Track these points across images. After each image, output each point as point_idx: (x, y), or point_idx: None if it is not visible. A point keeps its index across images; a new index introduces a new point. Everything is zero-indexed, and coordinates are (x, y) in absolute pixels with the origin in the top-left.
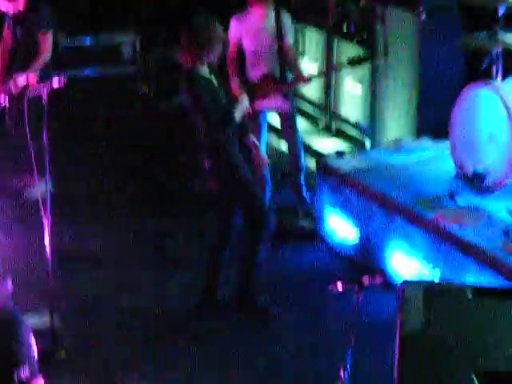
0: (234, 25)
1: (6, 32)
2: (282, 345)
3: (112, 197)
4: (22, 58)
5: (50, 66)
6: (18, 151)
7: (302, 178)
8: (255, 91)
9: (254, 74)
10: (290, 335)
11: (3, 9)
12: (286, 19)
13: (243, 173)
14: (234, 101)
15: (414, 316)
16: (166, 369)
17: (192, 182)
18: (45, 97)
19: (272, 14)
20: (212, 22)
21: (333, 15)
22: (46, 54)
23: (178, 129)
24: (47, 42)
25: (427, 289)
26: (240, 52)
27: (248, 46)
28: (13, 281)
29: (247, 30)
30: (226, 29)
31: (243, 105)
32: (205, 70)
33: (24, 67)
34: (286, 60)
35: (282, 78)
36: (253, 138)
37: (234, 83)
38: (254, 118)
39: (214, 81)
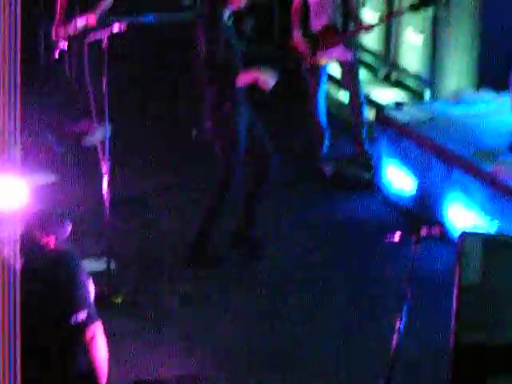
0: None
1: None
2: (334, 295)
3: (163, 147)
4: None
5: (110, 13)
6: (78, 97)
7: (365, 130)
8: (318, 42)
9: (317, 24)
10: (342, 285)
11: None
12: None
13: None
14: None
15: (473, 268)
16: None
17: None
18: (105, 41)
19: None
20: None
21: None
22: (106, 4)
23: None
24: None
25: (486, 241)
26: (304, 3)
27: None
28: (72, 225)
29: None
30: None
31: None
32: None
33: (84, 12)
34: (348, 10)
35: (345, 27)
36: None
37: (297, 34)
38: (316, 69)
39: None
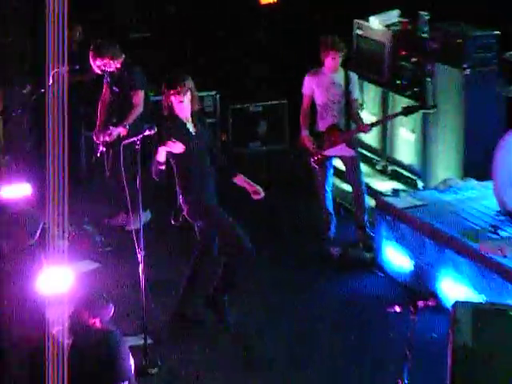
0: (308, 80)
1: (105, 89)
2: (344, 359)
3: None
4: (117, 111)
5: (143, 119)
6: (115, 193)
7: (366, 216)
8: (323, 140)
9: (323, 124)
10: (351, 352)
11: (103, 68)
12: (353, 76)
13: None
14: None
15: (465, 332)
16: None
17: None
18: (138, 146)
19: (342, 72)
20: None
21: (387, 72)
22: (138, 108)
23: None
24: (139, 98)
25: (476, 309)
26: (311, 106)
27: (319, 98)
28: (114, 307)
29: (319, 85)
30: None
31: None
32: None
33: (119, 120)
34: (350, 112)
35: (347, 128)
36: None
37: (305, 133)
38: (322, 163)
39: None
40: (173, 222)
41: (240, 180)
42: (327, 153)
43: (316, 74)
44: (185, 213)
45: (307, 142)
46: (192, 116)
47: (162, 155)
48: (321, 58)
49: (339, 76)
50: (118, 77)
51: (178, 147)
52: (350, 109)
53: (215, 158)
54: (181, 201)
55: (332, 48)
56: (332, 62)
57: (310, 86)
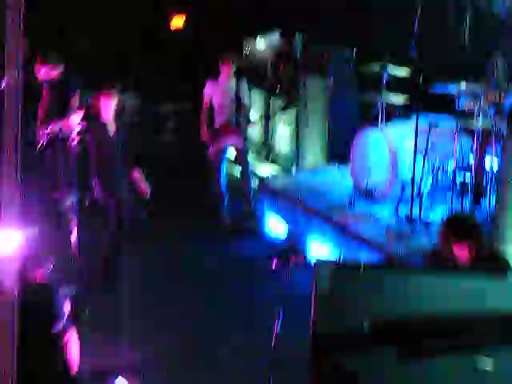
0: (208, 86)
1: (46, 93)
2: (233, 303)
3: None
4: (54, 112)
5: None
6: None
7: (251, 193)
8: (219, 133)
9: (219, 120)
10: (239, 296)
11: (45, 76)
12: (243, 84)
13: None
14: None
15: (324, 284)
16: None
17: None
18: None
19: (233, 81)
20: None
21: (270, 81)
22: (73, 110)
23: None
24: (75, 101)
25: (333, 265)
26: (210, 107)
27: (216, 101)
28: (51, 262)
29: (217, 91)
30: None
31: None
32: None
33: (56, 118)
34: (240, 111)
35: (237, 123)
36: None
37: (204, 128)
38: (219, 152)
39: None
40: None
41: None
42: (222, 143)
43: (214, 82)
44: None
45: (206, 135)
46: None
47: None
48: (218, 69)
49: (231, 83)
50: (57, 82)
51: None
52: (240, 109)
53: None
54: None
55: (226, 63)
56: (226, 72)
57: (210, 90)
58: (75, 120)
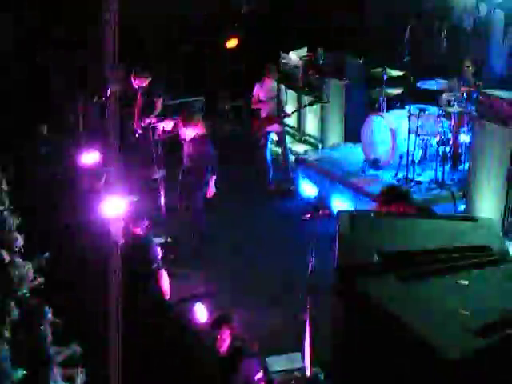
0: (256, 87)
1: (139, 97)
2: (278, 245)
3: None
4: (146, 111)
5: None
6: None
7: (290, 165)
8: (264, 121)
9: (264, 112)
10: (282, 240)
11: (139, 84)
12: (281, 85)
13: None
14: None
15: (346, 226)
16: None
17: None
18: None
19: (275, 83)
20: None
21: (300, 83)
22: (158, 109)
23: None
24: (159, 103)
25: (351, 213)
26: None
27: (262, 97)
28: (147, 220)
29: (263, 89)
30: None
31: None
32: None
33: (148, 115)
34: (279, 106)
35: (278, 114)
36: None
37: (253, 118)
38: (265, 135)
39: None
40: None
41: None
42: (267, 129)
43: (260, 83)
44: None
45: (255, 123)
46: None
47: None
48: (264, 74)
49: (274, 84)
50: (147, 89)
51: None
52: (279, 104)
53: None
54: None
55: (268, 70)
56: (269, 76)
57: (257, 90)
58: (167, 125)
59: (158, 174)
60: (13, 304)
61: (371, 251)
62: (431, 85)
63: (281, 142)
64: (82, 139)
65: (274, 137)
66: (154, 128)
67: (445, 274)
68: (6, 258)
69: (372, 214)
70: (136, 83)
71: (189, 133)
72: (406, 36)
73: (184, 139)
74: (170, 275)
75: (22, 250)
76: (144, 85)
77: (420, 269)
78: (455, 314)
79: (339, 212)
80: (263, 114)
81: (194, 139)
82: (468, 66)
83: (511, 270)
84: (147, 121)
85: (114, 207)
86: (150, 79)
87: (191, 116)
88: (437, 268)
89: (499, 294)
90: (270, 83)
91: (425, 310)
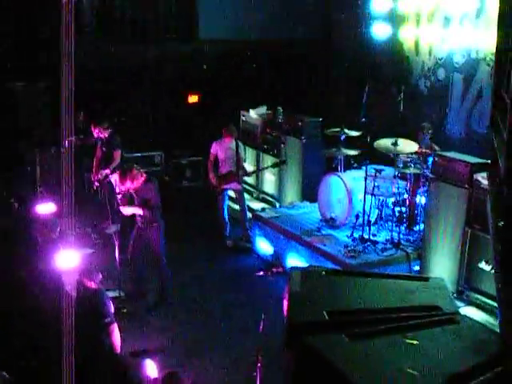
0: (214, 145)
1: (98, 149)
2: (231, 302)
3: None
4: (104, 163)
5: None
6: (100, 208)
7: (247, 222)
8: (222, 179)
9: (223, 170)
10: (236, 296)
11: (97, 135)
12: (240, 143)
13: None
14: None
15: (296, 284)
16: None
17: None
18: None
19: (234, 141)
20: None
21: (259, 141)
22: (117, 161)
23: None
24: (118, 155)
25: (303, 270)
26: (215, 160)
27: (221, 156)
28: (101, 273)
29: (221, 148)
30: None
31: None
32: None
33: (105, 167)
34: (238, 164)
35: (236, 172)
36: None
37: (211, 175)
38: (221, 193)
39: None
40: None
41: None
42: (225, 186)
43: (219, 142)
44: None
45: (213, 180)
46: None
47: None
48: (223, 133)
49: (232, 143)
50: (106, 141)
51: None
52: (238, 162)
53: None
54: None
55: (229, 130)
56: (228, 136)
57: (216, 148)
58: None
59: (113, 228)
60: None
61: (321, 309)
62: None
63: (239, 200)
64: (38, 189)
65: (231, 193)
66: (109, 180)
67: (394, 333)
68: None
69: (323, 272)
70: (96, 133)
71: (128, 185)
72: (364, 98)
73: (123, 194)
74: (121, 329)
75: None
76: (103, 136)
77: (369, 327)
78: (403, 373)
79: (291, 269)
80: (222, 171)
81: (136, 189)
82: (424, 129)
83: (460, 331)
84: (104, 172)
85: (68, 259)
86: (110, 130)
87: (127, 170)
88: (386, 327)
89: (447, 354)
90: (229, 141)
91: (373, 368)
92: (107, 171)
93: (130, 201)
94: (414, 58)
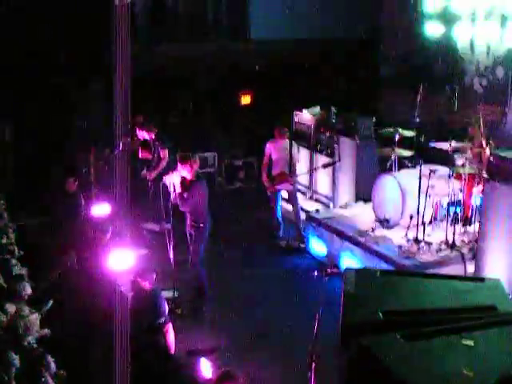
0: (268, 146)
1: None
2: (287, 300)
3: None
4: (152, 164)
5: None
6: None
7: (301, 223)
8: (275, 180)
9: (275, 171)
10: (291, 296)
11: (142, 137)
12: (294, 144)
13: None
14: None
15: (351, 284)
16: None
17: None
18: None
19: (287, 141)
20: None
21: (313, 141)
22: (165, 161)
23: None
24: (165, 155)
25: (358, 271)
26: (269, 161)
27: (274, 156)
28: (156, 274)
29: (275, 149)
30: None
31: None
32: None
33: (154, 168)
34: (291, 164)
35: (289, 173)
36: None
37: (265, 176)
38: (274, 193)
39: None
40: None
41: None
42: (278, 187)
43: (272, 142)
44: None
45: (265, 181)
46: None
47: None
48: (275, 134)
49: (286, 143)
50: (152, 142)
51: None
52: (291, 163)
53: None
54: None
55: (281, 131)
56: (281, 136)
57: (270, 148)
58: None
59: (165, 227)
60: (16, 354)
61: (376, 309)
62: (443, 145)
63: (292, 200)
64: (93, 190)
65: (285, 194)
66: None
67: (449, 334)
68: (12, 309)
69: (378, 273)
70: (141, 135)
71: (183, 173)
72: (418, 98)
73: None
74: (175, 329)
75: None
76: (150, 137)
77: (424, 328)
78: (459, 375)
79: (346, 270)
80: (275, 172)
81: (187, 182)
82: (479, 127)
83: None
84: (153, 173)
85: (123, 260)
86: (155, 131)
87: (186, 157)
88: (441, 327)
89: (504, 356)
90: (283, 142)
91: (428, 369)
92: (155, 172)
93: (182, 201)
94: (469, 57)
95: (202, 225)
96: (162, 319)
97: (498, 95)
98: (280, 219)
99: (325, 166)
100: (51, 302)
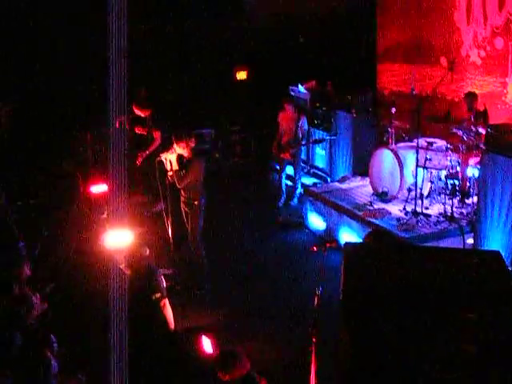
0: (280, 115)
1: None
2: (285, 275)
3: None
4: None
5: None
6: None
7: (298, 194)
8: (281, 148)
9: (283, 139)
10: (289, 271)
11: (139, 113)
12: (302, 116)
13: None
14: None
15: (351, 258)
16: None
17: None
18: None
19: (295, 113)
20: None
21: (309, 115)
22: (158, 141)
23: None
24: (158, 135)
25: (356, 245)
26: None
27: (283, 126)
28: (152, 250)
29: (284, 118)
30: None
31: None
32: None
33: (147, 147)
34: (295, 135)
35: (296, 142)
36: None
37: (275, 145)
38: (281, 162)
39: None
40: None
41: None
42: (282, 156)
43: (283, 112)
44: None
45: (274, 148)
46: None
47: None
48: (284, 104)
49: (295, 115)
50: (146, 121)
51: None
52: (296, 133)
53: None
54: None
55: (287, 100)
56: (289, 106)
57: (281, 118)
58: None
59: (159, 206)
60: (18, 334)
61: (376, 283)
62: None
63: (296, 168)
64: (91, 170)
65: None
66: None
67: (448, 307)
68: (16, 289)
69: (378, 246)
70: (137, 112)
71: (179, 150)
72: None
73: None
74: (174, 306)
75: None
76: (144, 115)
77: (423, 301)
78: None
79: (346, 244)
80: (283, 141)
81: (184, 159)
82: (473, 104)
83: None
84: (144, 153)
85: (119, 238)
86: (150, 110)
87: (182, 136)
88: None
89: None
90: (291, 113)
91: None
92: (147, 151)
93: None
94: (465, 29)
95: (195, 202)
96: (158, 294)
97: (494, 66)
98: (283, 189)
99: (316, 141)
100: (53, 284)
